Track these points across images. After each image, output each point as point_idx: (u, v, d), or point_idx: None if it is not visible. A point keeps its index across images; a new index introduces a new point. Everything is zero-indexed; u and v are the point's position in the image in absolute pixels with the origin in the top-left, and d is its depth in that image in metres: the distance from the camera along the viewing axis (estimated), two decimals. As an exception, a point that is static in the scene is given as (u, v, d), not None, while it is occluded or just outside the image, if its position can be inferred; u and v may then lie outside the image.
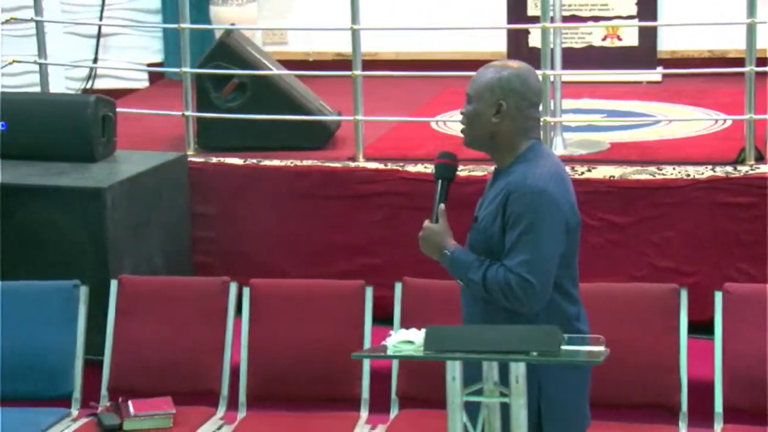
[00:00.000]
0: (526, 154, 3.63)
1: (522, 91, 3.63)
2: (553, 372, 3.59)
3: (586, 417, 3.78)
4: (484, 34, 7.84)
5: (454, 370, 3.44)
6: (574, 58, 7.32)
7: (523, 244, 3.52)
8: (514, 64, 3.70)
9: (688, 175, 5.60)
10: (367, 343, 4.80)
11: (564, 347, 3.41)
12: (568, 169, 5.66)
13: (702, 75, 7.14)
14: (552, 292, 3.59)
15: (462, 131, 3.70)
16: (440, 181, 3.75)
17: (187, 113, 6.20)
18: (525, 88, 3.63)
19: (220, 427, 4.78)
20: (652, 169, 5.66)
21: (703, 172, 5.60)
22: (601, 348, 3.45)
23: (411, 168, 5.83)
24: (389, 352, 3.51)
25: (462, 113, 3.69)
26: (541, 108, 3.84)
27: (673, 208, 5.58)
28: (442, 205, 3.70)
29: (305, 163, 5.96)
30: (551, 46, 5.84)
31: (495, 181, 3.68)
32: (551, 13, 5.83)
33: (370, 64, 6.53)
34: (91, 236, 5.33)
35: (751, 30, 5.60)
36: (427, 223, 3.71)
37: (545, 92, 5.79)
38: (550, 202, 3.55)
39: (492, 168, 3.76)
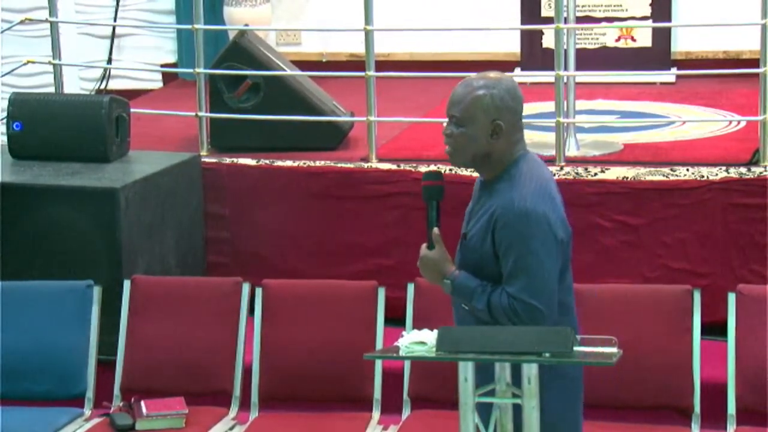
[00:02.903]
0: (511, 169, 3.56)
1: (514, 107, 3.57)
2: (543, 383, 3.53)
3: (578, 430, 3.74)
4: (498, 35, 7.84)
5: (466, 371, 3.44)
6: (588, 59, 7.32)
7: (521, 270, 3.49)
8: (496, 75, 3.61)
9: (702, 177, 5.59)
10: (380, 344, 4.80)
11: (576, 348, 3.40)
12: (581, 170, 5.69)
13: (716, 76, 7.12)
14: None
15: (449, 152, 3.61)
16: (430, 203, 3.67)
17: (200, 114, 6.21)
18: (516, 102, 3.58)
19: (232, 428, 4.79)
20: (666, 170, 5.65)
21: (717, 174, 5.58)
22: (614, 349, 3.44)
23: (424, 169, 5.79)
24: (401, 353, 3.51)
25: (448, 134, 3.59)
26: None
27: (687, 210, 5.57)
28: (436, 230, 3.64)
29: (318, 163, 5.97)
30: (565, 46, 5.83)
31: (482, 196, 3.63)
32: (565, 14, 5.82)
33: (383, 64, 6.52)
34: (104, 236, 5.34)
35: (765, 31, 5.58)
36: (424, 250, 3.66)
37: (559, 93, 5.79)
38: (539, 222, 3.50)
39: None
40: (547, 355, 3.35)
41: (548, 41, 7.54)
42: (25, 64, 6.93)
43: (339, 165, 5.95)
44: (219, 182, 6.02)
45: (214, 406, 4.87)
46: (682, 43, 7.89)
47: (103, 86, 8.36)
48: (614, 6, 7.85)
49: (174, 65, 8.47)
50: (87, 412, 4.90)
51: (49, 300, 5.01)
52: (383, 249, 5.85)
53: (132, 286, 5.05)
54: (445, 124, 3.62)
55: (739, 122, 6.42)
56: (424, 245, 3.66)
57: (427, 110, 7.04)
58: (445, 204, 3.73)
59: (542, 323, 3.50)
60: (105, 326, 5.00)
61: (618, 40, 7.88)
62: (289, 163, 5.98)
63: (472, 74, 3.64)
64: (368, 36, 5.93)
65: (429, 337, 3.48)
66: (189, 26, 6.32)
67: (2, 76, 7.24)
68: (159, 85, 8.45)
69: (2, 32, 7.16)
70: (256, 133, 6.18)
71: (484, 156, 3.58)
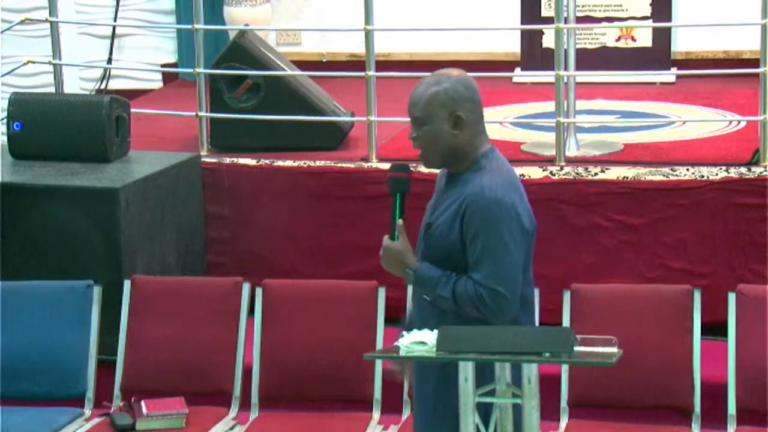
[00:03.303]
0: (481, 161, 3.64)
1: (470, 96, 3.65)
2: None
3: None
4: (498, 35, 7.84)
5: (466, 371, 3.44)
6: (588, 59, 7.32)
7: (489, 257, 3.55)
8: (448, 71, 3.69)
9: (702, 177, 5.59)
10: (380, 344, 4.80)
11: (577, 348, 3.40)
12: (581, 169, 5.70)
13: (716, 76, 7.12)
14: None
15: (421, 156, 3.69)
16: (396, 195, 3.73)
17: (200, 114, 6.21)
18: (471, 92, 3.65)
19: (232, 428, 4.79)
20: (666, 170, 5.65)
21: (717, 173, 5.59)
22: (614, 349, 3.44)
23: (423, 169, 5.80)
24: (401, 353, 3.51)
25: (414, 137, 3.67)
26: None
27: (687, 210, 5.57)
28: (400, 221, 3.70)
29: (318, 163, 5.97)
30: (565, 46, 5.83)
31: (449, 187, 3.69)
32: (565, 14, 5.82)
33: (383, 64, 6.53)
34: (104, 236, 5.34)
35: (765, 31, 5.58)
36: (386, 240, 3.71)
37: (559, 93, 5.79)
38: (509, 212, 3.57)
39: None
40: (548, 354, 3.36)
41: (548, 41, 7.54)
42: (25, 64, 6.93)
43: (339, 165, 5.95)
44: (219, 182, 6.01)
45: (214, 406, 4.87)
46: (682, 43, 7.89)
47: (103, 86, 8.36)
48: (614, 6, 7.85)
49: (174, 65, 8.47)
50: (87, 412, 4.89)
51: (49, 300, 5.01)
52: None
53: (132, 286, 5.05)
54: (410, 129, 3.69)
55: (739, 122, 6.42)
56: (386, 236, 3.71)
57: (427, 110, 7.03)
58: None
59: (507, 310, 3.57)
60: (105, 326, 5.00)
61: (618, 40, 7.88)
62: (289, 163, 5.98)
63: (427, 76, 3.71)
64: (368, 36, 5.93)
65: (429, 337, 3.48)
66: (189, 26, 6.32)
67: (2, 76, 7.24)
68: (159, 85, 8.45)
69: (2, 32, 7.16)
70: (256, 133, 6.18)
71: (452, 151, 3.65)
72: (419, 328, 3.60)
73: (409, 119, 3.70)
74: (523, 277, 3.63)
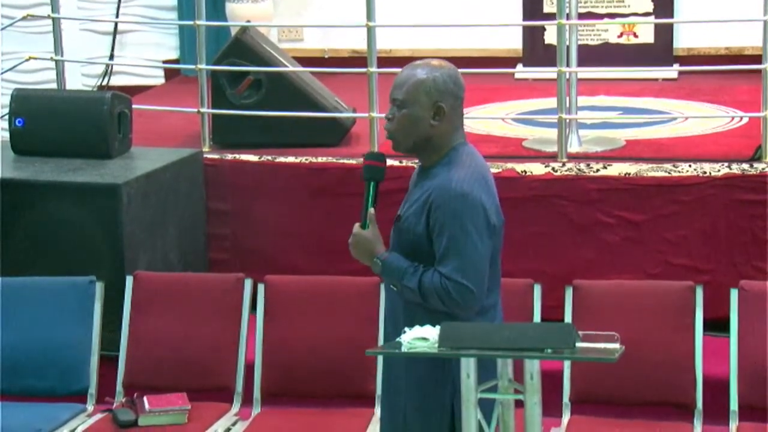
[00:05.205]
0: (451, 154, 3.64)
1: (455, 90, 3.65)
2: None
3: None
4: (500, 31, 7.84)
5: (468, 368, 3.44)
6: (590, 55, 7.32)
7: (454, 250, 3.55)
8: (438, 62, 3.69)
9: (704, 173, 5.59)
10: (382, 340, 4.79)
11: (579, 344, 3.41)
12: (583, 166, 5.70)
13: (718, 72, 7.11)
14: None
15: (391, 137, 3.68)
16: (369, 183, 3.73)
17: (202, 110, 6.21)
18: (457, 86, 3.65)
19: (234, 423, 4.79)
20: (668, 166, 5.65)
21: (719, 170, 5.58)
22: (616, 345, 3.45)
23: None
24: (404, 349, 3.51)
25: (390, 118, 3.66)
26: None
27: (689, 206, 5.57)
28: (372, 210, 3.71)
29: (320, 160, 5.97)
30: (567, 43, 5.83)
31: (419, 180, 3.70)
32: (567, 10, 5.81)
33: (385, 61, 6.52)
34: (106, 232, 5.34)
35: (767, 27, 5.57)
36: (356, 228, 3.72)
37: (561, 89, 5.79)
38: (475, 205, 3.57)
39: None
40: (550, 351, 3.36)
41: (550, 37, 7.54)
42: (26, 60, 6.92)
43: (341, 161, 5.95)
44: (221, 178, 6.02)
45: (216, 401, 4.87)
46: (684, 40, 7.89)
47: (105, 82, 8.36)
48: (616, 2, 7.85)
49: (176, 61, 8.46)
50: (90, 407, 4.90)
51: (52, 296, 5.02)
52: (385, 245, 5.83)
53: (134, 282, 5.05)
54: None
55: (741, 118, 6.42)
56: (357, 224, 3.72)
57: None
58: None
59: (472, 303, 3.57)
60: (107, 322, 5.01)
61: (620, 36, 7.87)
62: (291, 159, 5.98)
63: (416, 62, 3.71)
64: (370, 32, 5.93)
65: (431, 333, 3.48)
66: (191, 22, 6.32)
67: (4, 72, 7.24)
68: (161, 81, 8.46)
69: (4, 28, 7.17)
70: (258, 129, 6.18)
71: (425, 140, 3.64)
72: (389, 319, 3.60)
73: (390, 101, 3.68)
74: (490, 273, 3.62)
